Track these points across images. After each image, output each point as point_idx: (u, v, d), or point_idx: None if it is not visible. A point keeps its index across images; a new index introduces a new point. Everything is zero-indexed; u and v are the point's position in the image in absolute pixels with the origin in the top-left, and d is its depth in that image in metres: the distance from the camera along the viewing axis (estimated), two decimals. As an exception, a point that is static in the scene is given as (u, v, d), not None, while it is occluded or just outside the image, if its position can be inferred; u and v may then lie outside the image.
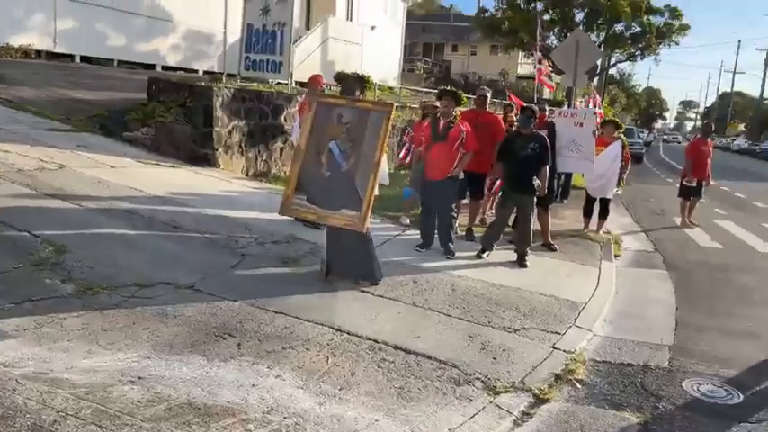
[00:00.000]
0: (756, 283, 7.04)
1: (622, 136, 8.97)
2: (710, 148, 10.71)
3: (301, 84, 13.82)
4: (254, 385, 3.27)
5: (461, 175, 6.46)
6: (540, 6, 29.27)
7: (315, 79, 7.06)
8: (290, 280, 5.15)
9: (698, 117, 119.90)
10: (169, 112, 9.56)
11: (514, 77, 48.02)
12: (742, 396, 3.89)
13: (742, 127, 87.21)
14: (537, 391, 3.72)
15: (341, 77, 5.99)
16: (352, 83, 5.47)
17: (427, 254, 6.52)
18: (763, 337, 5.11)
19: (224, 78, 11.82)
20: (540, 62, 20.74)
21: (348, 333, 4.15)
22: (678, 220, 10.82)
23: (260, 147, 10.16)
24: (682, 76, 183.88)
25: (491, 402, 3.50)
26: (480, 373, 3.82)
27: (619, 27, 28.86)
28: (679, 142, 70.20)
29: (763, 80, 58.89)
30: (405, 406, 3.31)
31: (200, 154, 9.13)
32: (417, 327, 4.45)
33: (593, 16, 28.29)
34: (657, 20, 28.52)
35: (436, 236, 6.64)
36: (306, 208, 5.16)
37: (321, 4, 25.74)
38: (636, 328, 5.20)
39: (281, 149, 10.69)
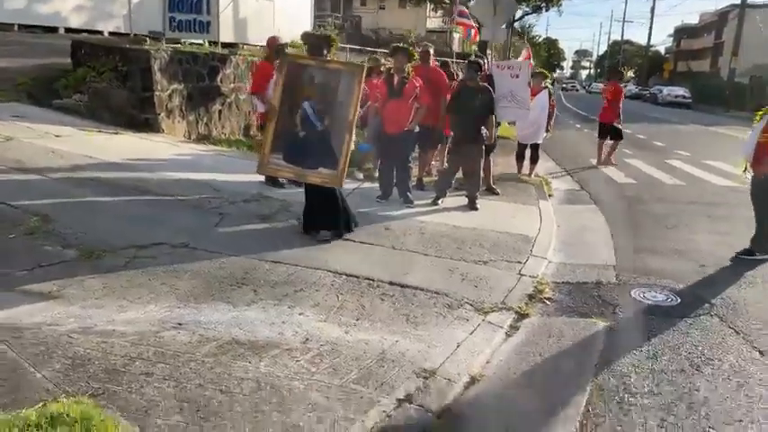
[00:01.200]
0: (670, 210, 8.07)
1: (549, 85, 9.72)
2: (621, 92, 11.85)
3: (223, 44, 13.56)
4: (284, 322, 3.64)
5: (417, 128, 6.89)
6: None
7: (272, 41, 7.16)
8: (274, 234, 5.45)
9: (591, 65, 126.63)
10: (101, 77, 9.28)
11: (424, 31, 48.56)
12: (679, 299, 4.70)
13: (631, 73, 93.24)
14: (517, 309, 4.32)
15: (307, 37, 6.12)
16: (319, 42, 5.57)
17: (388, 204, 6.96)
18: (685, 254, 6.02)
19: (148, 40, 11.44)
20: (462, 15, 21.08)
21: (346, 275, 4.57)
22: (594, 161, 11.90)
23: (200, 110, 10.11)
24: (576, 26, 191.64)
25: (484, 320, 4.06)
26: (468, 299, 4.37)
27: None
28: (577, 90, 74.08)
29: (650, 28, 63.27)
30: (415, 328, 3.80)
31: (140, 119, 8.99)
32: (403, 265, 4.93)
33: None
34: (560, -29, 29.87)
35: (394, 187, 7.08)
36: (283, 167, 5.39)
37: None
38: (582, 253, 5.96)
39: (220, 112, 10.66)
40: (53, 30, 17.03)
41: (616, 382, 3.37)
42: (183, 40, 12.09)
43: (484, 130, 6.92)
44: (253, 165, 6.88)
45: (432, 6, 46.20)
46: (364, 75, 5.43)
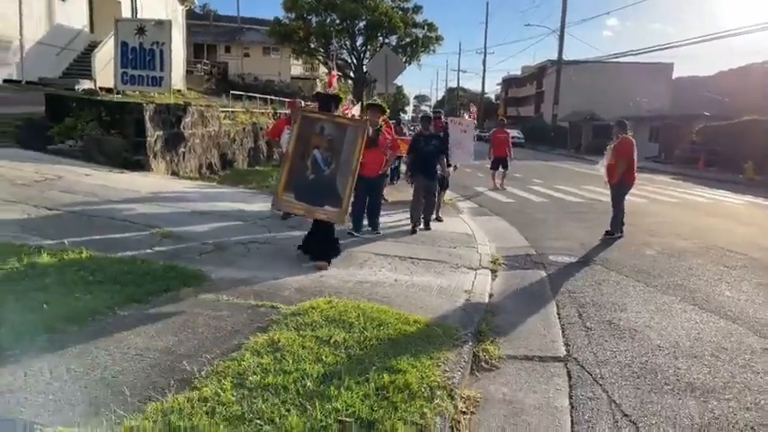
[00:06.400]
0: (547, 216, 11.48)
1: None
2: (508, 135, 15.74)
3: (105, 89, 15.04)
4: (375, 274, 6.04)
5: (388, 171, 9.31)
6: (330, 18, 33.29)
7: (292, 104, 9.28)
8: (310, 236, 7.70)
9: (430, 109, 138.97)
10: (88, 126, 10.75)
11: (288, 78, 51.53)
12: (577, 259, 7.79)
13: (467, 116, 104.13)
14: (490, 268, 7.08)
15: (318, 95, 7.84)
16: (329, 100, 6.78)
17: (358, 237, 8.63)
18: (569, 238, 9.22)
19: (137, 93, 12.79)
20: (332, 69, 24.41)
21: (383, 255, 7.03)
22: (480, 189, 15.36)
23: (172, 152, 11.84)
24: (415, 74, 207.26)
25: (476, 273, 6.73)
26: (460, 264, 7.04)
27: (393, 38, 34.36)
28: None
29: (483, 78, 72.02)
30: (446, 276, 6.38)
31: (132, 160, 10.61)
32: (411, 250, 7.49)
33: (373, 28, 33.20)
34: (419, 32, 34.75)
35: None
36: (294, 204, 6.23)
37: (106, 9, 25.75)
38: (506, 241, 8.94)
39: (184, 153, 12.43)
40: (-55, 76, 17.22)
41: (565, 291, 6.25)
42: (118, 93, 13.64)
43: (439, 168, 9.24)
44: (240, 195, 9.00)
45: (294, 54, 49.09)
46: (366, 129, 6.76)
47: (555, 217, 11.49)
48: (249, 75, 49.51)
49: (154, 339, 3.76)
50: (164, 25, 13.63)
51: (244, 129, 16.81)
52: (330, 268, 6.09)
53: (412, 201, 9.06)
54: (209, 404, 2.89)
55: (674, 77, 56.55)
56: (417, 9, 34.92)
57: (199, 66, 43.47)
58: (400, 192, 12.67)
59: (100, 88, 21.89)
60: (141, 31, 13.30)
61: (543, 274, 7.03)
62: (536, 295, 6.11)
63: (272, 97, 27.77)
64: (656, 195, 15.79)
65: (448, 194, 13.68)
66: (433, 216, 9.52)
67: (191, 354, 3.56)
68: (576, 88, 49.83)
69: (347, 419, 2.81)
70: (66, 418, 2.75)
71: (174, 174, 11.78)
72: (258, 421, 2.76)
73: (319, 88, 42.95)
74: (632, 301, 5.93)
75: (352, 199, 6.48)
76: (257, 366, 3.33)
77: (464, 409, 3.43)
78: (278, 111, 21.60)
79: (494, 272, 6.99)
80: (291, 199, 6.14)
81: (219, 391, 3.02)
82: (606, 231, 9.21)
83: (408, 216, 9.18)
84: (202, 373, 3.28)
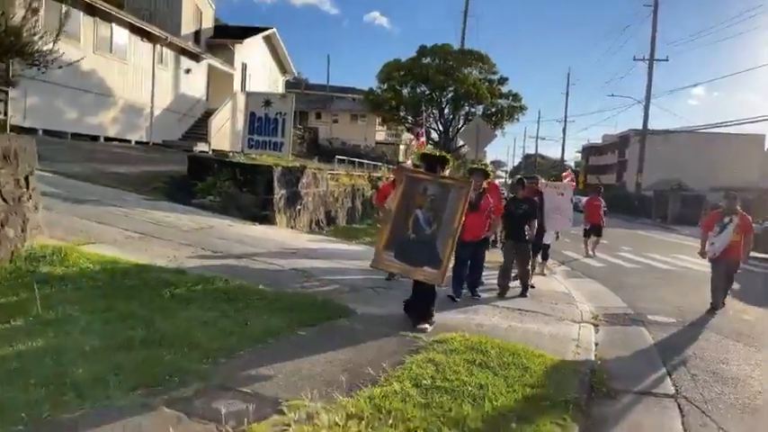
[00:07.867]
0: (638, 281, 11.91)
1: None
2: (601, 203, 16.34)
3: (218, 151, 16.67)
4: (490, 320, 6.87)
5: (492, 236, 10.12)
6: (420, 89, 35.67)
7: (399, 170, 10.39)
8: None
9: (507, 174, 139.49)
10: (225, 184, 12.37)
11: (373, 143, 54.14)
12: (676, 319, 8.28)
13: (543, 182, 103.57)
14: (592, 322, 7.73)
15: (425, 156, 7.56)
16: (435, 162, 6.80)
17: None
18: (663, 301, 9.67)
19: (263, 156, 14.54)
20: (421, 135, 25.94)
21: (492, 305, 7.85)
22: (569, 253, 15.87)
23: (291, 208, 13.30)
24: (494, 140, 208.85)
25: (580, 325, 7.41)
26: (564, 317, 7.72)
27: (480, 108, 36.15)
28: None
29: (563, 146, 72.63)
30: (553, 326, 7.09)
31: (261, 215, 12.08)
32: (514, 303, 8.23)
33: (460, 99, 35.17)
34: (504, 102, 36.41)
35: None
36: (394, 263, 6.19)
37: (220, 80, 28.86)
38: (602, 301, 9.51)
39: (300, 210, 13.88)
40: (95, 138, 19.93)
41: (668, 346, 6.81)
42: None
43: (527, 229, 9.26)
44: (356, 249, 10.02)
45: (379, 121, 51.66)
46: (470, 190, 6.41)
47: (647, 282, 11.89)
48: (337, 139, 52.47)
49: (334, 352, 4.76)
50: (287, 98, 15.47)
51: (344, 189, 18.30)
52: (449, 314, 6.96)
53: (502, 265, 9.10)
54: (399, 395, 3.82)
55: (766, 148, 54.91)
56: (503, 80, 36.69)
57: (293, 131, 47.00)
58: (492, 254, 13.46)
59: (213, 150, 24.36)
60: (267, 103, 15.14)
61: (645, 331, 7.60)
62: (640, 348, 6.72)
63: (367, 161, 29.66)
64: (755, 267, 15.72)
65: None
66: (531, 281, 9.27)
67: (367, 364, 4.51)
68: (661, 157, 49.33)
69: (509, 413, 3.66)
70: (297, 398, 3.75)
71: (292, 227, 13.18)
72: (441, 409, 3.66)
73: (402, 154, 45.19)
74: (733, 357, 6.43)
75: (452, 262, 6.47)
76: (426, 374, 4.25)
77: (592, 424, 4.18)
78: (371, 174, 23.18)
79: (595, 326, 7.63)
80: (391, 258, 6.13)
81: (404, 387, 3.95)
82: (711, 304, 9.07)
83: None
84: (383, 376, 4.22)
